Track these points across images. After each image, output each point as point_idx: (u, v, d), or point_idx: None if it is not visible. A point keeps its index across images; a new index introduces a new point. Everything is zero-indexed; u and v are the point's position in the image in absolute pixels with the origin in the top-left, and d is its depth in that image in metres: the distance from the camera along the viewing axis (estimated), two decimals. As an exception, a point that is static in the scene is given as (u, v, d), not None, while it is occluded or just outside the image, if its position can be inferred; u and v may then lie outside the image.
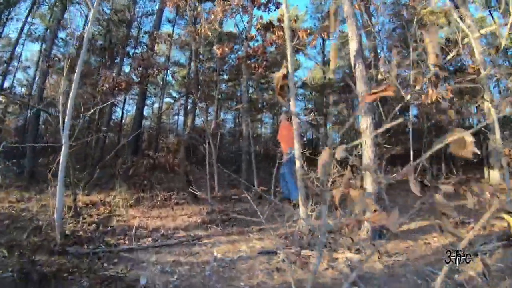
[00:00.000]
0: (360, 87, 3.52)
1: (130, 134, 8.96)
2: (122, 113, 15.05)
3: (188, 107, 15.06)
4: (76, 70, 3.12)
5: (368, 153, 3.33)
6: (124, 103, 14.72)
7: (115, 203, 4.90)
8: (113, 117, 11.76)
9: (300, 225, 3.25)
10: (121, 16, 9.11)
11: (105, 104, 5.29)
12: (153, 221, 4.08)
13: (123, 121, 15.54)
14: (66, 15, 7.73)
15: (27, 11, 9.18)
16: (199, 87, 5.38)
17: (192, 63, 5.32)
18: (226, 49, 4.33)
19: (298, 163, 3.15)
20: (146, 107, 18.25)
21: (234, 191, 5.71)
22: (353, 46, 3.70)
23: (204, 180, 7.20)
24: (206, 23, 4.38)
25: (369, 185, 3.31)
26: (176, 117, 19.07)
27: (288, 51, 3.25)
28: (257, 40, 4.95)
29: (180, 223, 3.96)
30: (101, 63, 10.58)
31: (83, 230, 3.62)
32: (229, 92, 14.31)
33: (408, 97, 5.43)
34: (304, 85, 17.07)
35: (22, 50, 11.50)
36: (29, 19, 9.77)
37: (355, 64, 3.63)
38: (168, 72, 14.28)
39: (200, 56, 7.31)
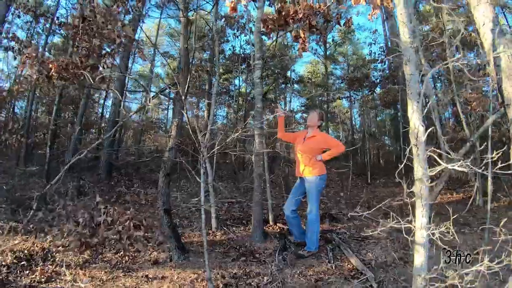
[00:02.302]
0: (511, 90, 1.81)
1: (107, 135, 7.12)
2: (103, 108, 13.12)
3: (170, 103, 13.14)
4: None
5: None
6: (105, 97, 12.81)
7: (60, 258, 3.12)
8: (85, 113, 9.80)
9: None
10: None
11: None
12: (111, 312, 2.33)
13: (105, 116, 13.62)
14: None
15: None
16: (189, 77, 3.58)
17: (181, 39, 3.53)
18: (243, 1, 2.58)
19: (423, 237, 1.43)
20: (136, 101, 16.18)
21: (241, 232, 3.99)
22: (485, 12, 1.96)
23: (192, 210, 5.36)
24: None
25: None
26: (165, 111, 17.21)
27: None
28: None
29: (156, 323, 2.22)
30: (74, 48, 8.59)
31: None
32: (223, 85, 12.69)
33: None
34: (302, 81, 15.31)
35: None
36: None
37: (492, 44, 1.91)
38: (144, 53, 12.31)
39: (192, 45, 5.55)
